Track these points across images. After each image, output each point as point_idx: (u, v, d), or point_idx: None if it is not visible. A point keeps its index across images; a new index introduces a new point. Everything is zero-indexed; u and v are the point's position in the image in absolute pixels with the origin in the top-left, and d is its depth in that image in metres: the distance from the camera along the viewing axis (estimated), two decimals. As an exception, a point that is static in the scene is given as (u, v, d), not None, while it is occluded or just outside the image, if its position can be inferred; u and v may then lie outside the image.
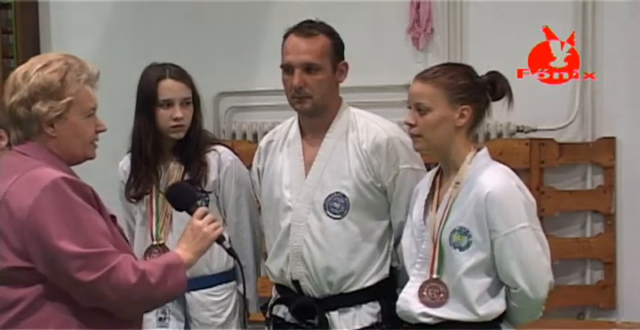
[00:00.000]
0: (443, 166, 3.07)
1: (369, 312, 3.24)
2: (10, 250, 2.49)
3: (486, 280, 2.94)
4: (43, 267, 2.47)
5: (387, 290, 3.24)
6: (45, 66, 2.56)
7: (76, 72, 2.58)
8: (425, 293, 2.98)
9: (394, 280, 3.26)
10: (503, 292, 2.96)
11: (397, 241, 3.25)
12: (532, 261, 2.91)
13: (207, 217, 2.81)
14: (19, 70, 2.59)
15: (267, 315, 3.38)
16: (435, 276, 2.98)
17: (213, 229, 2.79)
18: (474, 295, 2.93)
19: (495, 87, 3.03)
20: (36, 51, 5.75)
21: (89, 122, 2.61)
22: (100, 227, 2.53)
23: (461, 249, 2.93)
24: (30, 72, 2.55)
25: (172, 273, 2.61)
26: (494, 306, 2.95)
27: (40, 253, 2.46)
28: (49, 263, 2.46)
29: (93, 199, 2.55)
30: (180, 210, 2.99)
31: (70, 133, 2.58)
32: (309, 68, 3.19)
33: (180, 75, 3.53)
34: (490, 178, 2.93)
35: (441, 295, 2.96)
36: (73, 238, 2.45)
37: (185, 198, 2.99)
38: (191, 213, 2.87)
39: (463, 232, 2.93)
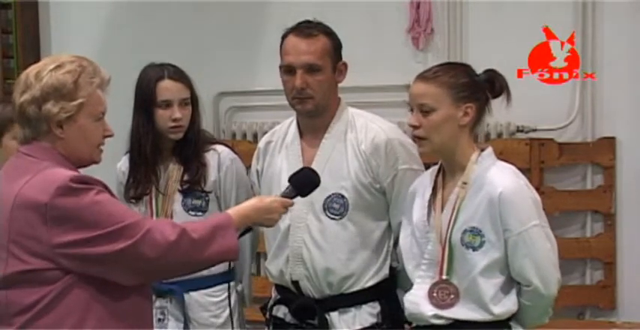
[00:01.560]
0: (446, 167, 3.06)
1: (369, 312, 3.24)
2: (27, 252, 2.48)
3: (500, 279, 2.94)
4: (76, 263, 2.47)
5: (386, 290, 3.24)
6: (58, 67, 2.56)
7: (89, 75, 2.58)
8: (435, 295, 2.97)
9: (394, 280, 3.26)
10: (515, 290, 2.96)
11: (396, 242, 3.25)
12: (543, 258, 2.93)
13: (284, 211, 2.85)
14: (32, 70, 2.59)
15: (267, 315, 3.38)
16: (444, 277, 2.97)
17: (272, 220, 2.82)
18: (489, 294, 2.93)
19: (494, 84, 3.03)
20: (36, 51, 5.76)
21: (98, 126, 2.62)
22: (123, 205, 2.61)
23: (474, 249, 2.93)
24: (43, 72, 2.55)
25: (221, 233, 2.61)
26: (508, 304, 2.95)
27: (70, 249, 2.46)
28: (83, 257, 2.46)
29: (108, 191, 2.58)
30: (296, 189, 2.93)
31: (78, 136, 2.58)
32: (310, 69, 3.18)
33: (179, 75, 3.53)
34: (500, 178, 2.94)
35: (452, 295, 2.96)
36: (99, 226, 2.46)
37: (310, 183, 2.98)
38: (291, 197, 2.88)
39: (475, 232, 2.93)
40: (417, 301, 3.01)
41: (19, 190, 2.50)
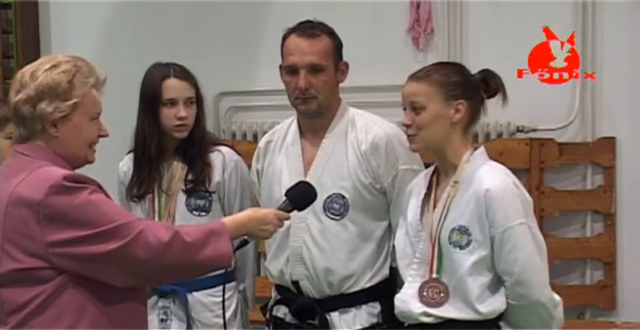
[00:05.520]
0: (440, 166, 3.07)
1: (369, 312, 3.24)
2: (21, 250, 2.49)
3: (487, 278, 2.94)
4: (69, 262, 2.47)
5: (387, 291, 3.24)
6: (54, 66, 2.56)
7: (84, 75, 2.58)
8: (425, 293, 2.98)
9: (394, 280, 3.26)
10: (503, 290, 2.95)
11: (397, 242, 3.26)
12: (526, 258, 2.91)
13: (279, 223, 2.83)
14: (27, 69, 2.59)
15: (267, 316, 3.38)
16: (434, 276, 2.98)
17: (267, 232, 2.80)
18: (475, 293, 2.92)
19: (489, 84, 3.04)
20: (36, 51, 5.77)
21: (92, 125, 2.62)
22: (117, 205, 2.61)
23: (461, 247, 2.93)
24: (38, 71, 2.56)
25: (215, 238, 2.60)
26: (495, 304, 2.94)
27: (62, 248, 2.46)
28: (75, 256, 2.46)
29: (102, 191, 2.58)
30: (293, 203, 2.93)
31: (73, 135, 2.58)
32: (314, 69, 3.19)
33: (185, 74, 3.54)
34: (488, 176, 2.94)
35: (442, 294, 2.96)
36: (92, 225, 2.46)
37: (307, 198, 2.97)
38: (288, 210, 2.87)
39: (463, 230, 2.93)
40: (406, 299, 3.01)
41: (14, 189, 2.51)
